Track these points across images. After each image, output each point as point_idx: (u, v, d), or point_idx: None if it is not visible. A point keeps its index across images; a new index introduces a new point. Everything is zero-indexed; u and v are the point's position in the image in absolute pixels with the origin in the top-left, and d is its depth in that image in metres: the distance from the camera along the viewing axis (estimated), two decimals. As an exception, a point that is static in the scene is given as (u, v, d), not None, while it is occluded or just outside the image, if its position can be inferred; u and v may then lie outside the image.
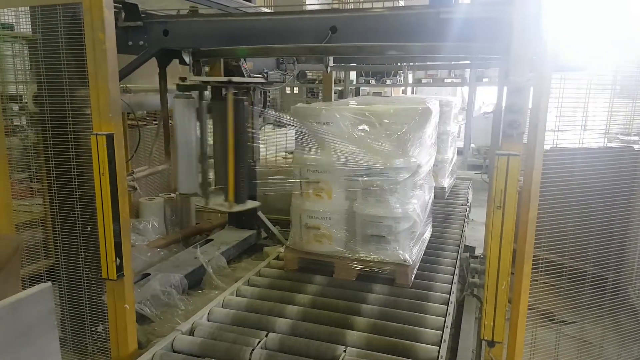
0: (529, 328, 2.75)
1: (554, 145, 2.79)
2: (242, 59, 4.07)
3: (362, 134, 3.56)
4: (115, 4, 3.13)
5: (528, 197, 2.45)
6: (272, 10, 4.93)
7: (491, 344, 2.55)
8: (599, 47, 2.81)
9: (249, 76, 4.10)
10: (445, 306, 3.40)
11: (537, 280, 2.82)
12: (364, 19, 3.02)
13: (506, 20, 2.53)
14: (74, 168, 3.08)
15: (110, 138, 2.76)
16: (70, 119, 3.07)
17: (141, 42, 3.32)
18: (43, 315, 1.98)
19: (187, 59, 3.47)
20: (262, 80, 4.38)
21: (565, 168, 2.81)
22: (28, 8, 3.18)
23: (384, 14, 3.01)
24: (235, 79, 3.37)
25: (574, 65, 2.77)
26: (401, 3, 13.84)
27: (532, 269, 2.58)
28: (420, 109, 3.66)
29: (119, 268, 2.88)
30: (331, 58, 3.52)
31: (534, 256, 2.57)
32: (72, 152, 3.07)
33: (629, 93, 3.11)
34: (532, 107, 2.42)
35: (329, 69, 3.55)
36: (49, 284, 2.00)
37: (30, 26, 3.22)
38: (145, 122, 7.99)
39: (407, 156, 3.54)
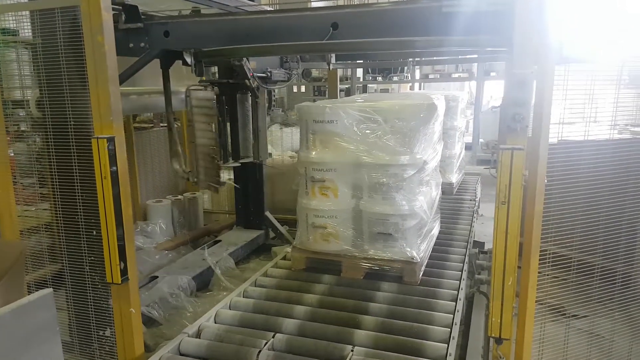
0: (537, 323, 2.72)
1: (561, 139, 2.74)
2: (244, 58, 4.06)
3: (367, 131, 3.52)
4: (116, 6, 3.13)
5: (534, 191, 2.41)
6: (274, 8, 4.91)
7: (499, 341, 2.52)
8: (603, 38, 2.75)
9: (252, 75, 4.08)
10: (454, 303, 3.36)
11: (547, 275, 2.78)
12: (365, 15, 2.98)
13: (509, 12, 2.48)
14: (76, 172, 3.07)
15: (111, 141, 2.75)
16: (71, 122, 3.06)
17: (142, 44, 3.32)
18: (45, 321, 1.97)
19: (188, 59, 3.46)
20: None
21: (572, 161, 2.77)
22: (28, 13, 3.18)
23: (385, 9, 2.97)
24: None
25: (578, 57, 2.73)
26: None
27: (540, 262, 2.54)
28: (425, 105, 3.61)
29: (124, 272, 2.87)
30: (333, 55, 3.49)
31: (541, 250, 2.53)
32: (75, 156, 3.07)
33: (636, 83, 3.05)
34: (536, 99, 2.38)
35: (331, 66, 3.53)
36: (50, 289, 1.99)
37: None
38: (152, 125, 8.03)
39: (413, 152, 3.50)
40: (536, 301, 2.62)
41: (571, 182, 2.74)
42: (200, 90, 4.10)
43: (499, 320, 2.46)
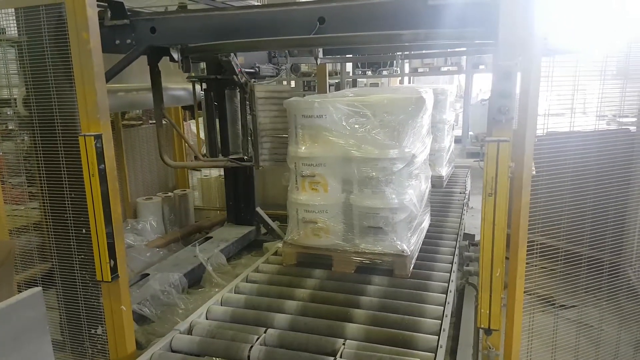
0: (526, 313, 2.74)
1: (547, 130, 2.76)
2: (232, 54, 4.05)
3: (356, 125, 3.52)
4: (101, 3, 3.11)
5: (520, 183, 2.43)
6: (261, 3, 4.90)
7: (488, 331, 2.54)
8: (589, 29, 2.77)
9: (240, 71, 4.07)
10: (445, 295, 3.38)
11: (535, 266, 2.80)
12: (351, 9, 2.98)
13: (495, 4, 2.49)
14: (64, 171, 3.06)
15: (98, 138, 2.73)
16: (58, 121, 3.04)
17: (128, 41, 3.30)
18: (34, 320, 1.97)
19: (175, 55, 3.45)
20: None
21: (559, 152, 2.79)
22: (13, 10, 3.15)
23: (371, 2, 2.97)
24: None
25: (564, 49, 2.74)
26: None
27: (528, 253, 2.56)
28: (413, 99, 3.62)
29: (114, 270, 2.87)
30: (321, 50, 3.48)
31: (529, 241, 2.55)
32: (62, 154, 3.05)
33: (622, 75, 3.07)
34: (521, 91, 2.39)
35: (319, 61, 3.52)
36: (39, 288, 1.99)
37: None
38: (141, 122, 7.99)
39: (402, 146, 3.50)
40: (525, 292, 2.64)
41: (558, 173, 2.76)
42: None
43: (487, 312, 2.48)
